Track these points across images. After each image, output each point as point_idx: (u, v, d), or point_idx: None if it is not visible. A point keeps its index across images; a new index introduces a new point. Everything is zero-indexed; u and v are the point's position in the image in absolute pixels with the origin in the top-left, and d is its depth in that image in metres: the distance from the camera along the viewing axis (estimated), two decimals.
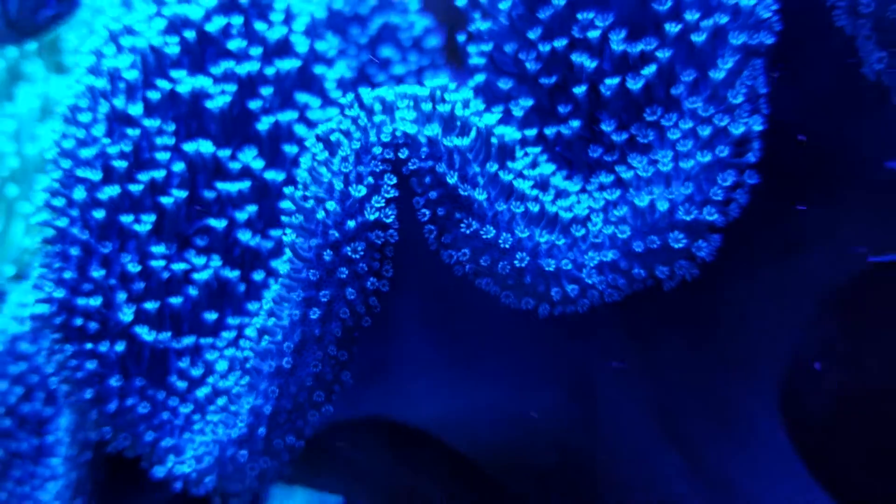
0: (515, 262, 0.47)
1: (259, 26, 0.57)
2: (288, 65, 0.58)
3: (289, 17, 0.60)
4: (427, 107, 0.45)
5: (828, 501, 0.73)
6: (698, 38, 0.46)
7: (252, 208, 0.55)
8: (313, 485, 0.82)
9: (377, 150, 0.44)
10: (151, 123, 0.55)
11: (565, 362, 0.61)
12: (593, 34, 0.49)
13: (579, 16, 0.49)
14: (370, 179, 0.46)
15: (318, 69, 0.60)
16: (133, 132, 0.55)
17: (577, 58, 0.49)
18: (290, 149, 0.57)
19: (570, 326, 0.57)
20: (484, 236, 0.48)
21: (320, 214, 0.45)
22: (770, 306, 0.70)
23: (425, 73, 0.80)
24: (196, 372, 0.52)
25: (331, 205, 0.44)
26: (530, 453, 0.70)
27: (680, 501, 0.71)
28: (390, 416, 0.65)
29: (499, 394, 0.61)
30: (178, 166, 0.56)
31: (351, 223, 0.45)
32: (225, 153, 0.56)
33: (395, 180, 0.46)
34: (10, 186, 0.86)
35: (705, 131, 0.45)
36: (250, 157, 0.56)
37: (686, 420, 0.70)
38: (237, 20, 0.56)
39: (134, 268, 0.53)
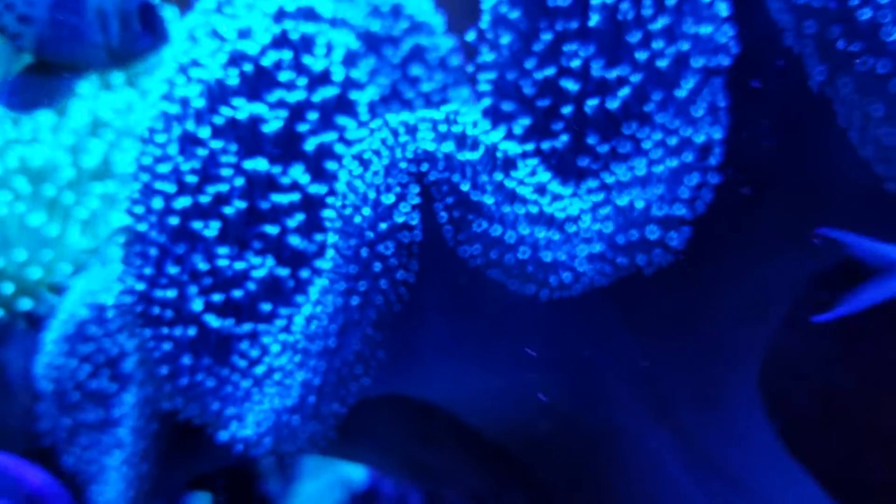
0: (519, 254, 0.52)
1: (305, 59, 0.64)
2: (328, 92, 0.64)
3: (329, 50, 0.66)
4: (443, 128, 0.50)
5: (802, 473, 0.78)
6: (664, 63, 0.51)
7: (300, 216, 0.61)
8: (342, 452, 0.85)
9: (403, 164, 0.50)
10: (216, 144, 0.61)
11: (565, 345, 0.66)
12: (576, 63, 0.54)
13: (565, 48, 0.54)
14: (398, 189, 0.51)
15: (354, 95, 0.66)
16: (202, 152, 0.61)
17: (564, 83, 0.54)
18: (332, 165, 0.63)
19: (569, 312, 0.61)
20: (492, 234, 0.52)
21: (357, 219, 0.51)
22: (752, 296, 0.72)
23: (449, 89, 0.84)
24: (254, 353, 0.58)
25: (366, 211, 0.50)
26: (534, 428, 0.74)
27: (670, 474, 0.74)
28: (411, 392, 0.70)
29: (506, 372, 0.66)
30: (239, 181, 0.61)
31: (383, 225, 0.50)
32: (277, 170, 0.62)
33: (418, 189, 0.51)
34: (67, 194, 0.91)
35: (673, 141, 0.50)
36: (298, 172, 0.62)
37: (675, 401, 0.73)
38: (287, 55, 0.63)
39: (203, 266, 0.59)
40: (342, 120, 0.65)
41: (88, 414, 0.79)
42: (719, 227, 0.58)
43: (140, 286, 0.58)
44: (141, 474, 0.68)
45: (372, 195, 0.50)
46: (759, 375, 0.84)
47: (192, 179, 0.60)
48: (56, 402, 0.80)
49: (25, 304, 0.87)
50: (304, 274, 0.61)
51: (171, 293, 0.59)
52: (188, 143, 0.61)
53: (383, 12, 0.80)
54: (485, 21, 0.60)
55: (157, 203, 0.59)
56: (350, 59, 0.66)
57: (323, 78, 0.64)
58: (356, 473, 1.13)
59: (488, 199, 0.51)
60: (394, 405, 0.75)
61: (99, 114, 0.95)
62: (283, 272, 0.60)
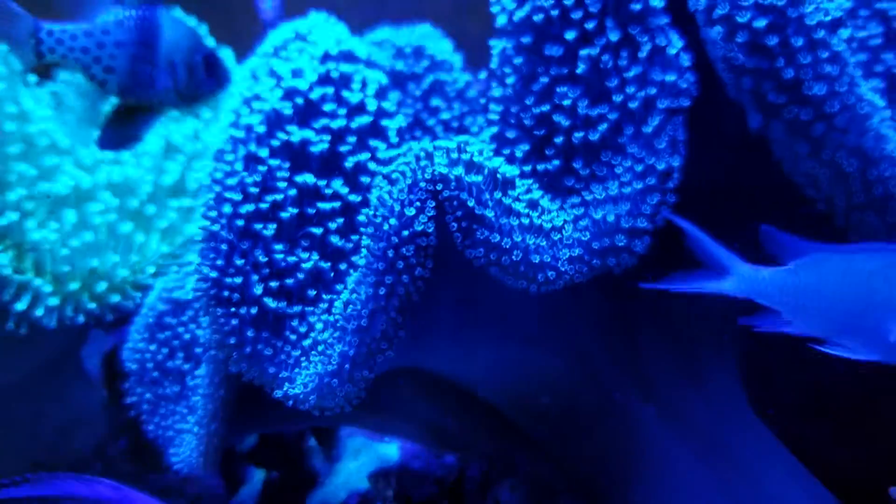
0: (513, 257, 0.57)
1: (344, 93, 0.70)
2: (363, 120, 0.70)
3: (364, 85, 0.72)
4: (454, 155, 0.57)
5: (774, 440, 0.79)
6: (635, 104, 0.56)
7: (339, 220, 0.67)
8: (375, 423, 0.90)
9: (422, 184, 0.56)
10: (274, 162, 0.66)
11: (556, 330, 0.70)
12: (567, 102, 0.59)
13: (558, 89, 0.60)
14: (418, 204, 0.56)
15: (384, 122, 0.72)
16: (262, 168, 0.66)
17: (557, 117, 0.60)
18: (365, 179, 0.69)
19: (559, 303, 0.66)
20: (492, 240, 0.56)
21: (386, 227, 0.56)
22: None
23: (466, 117, 0.89)
24: (302, 329, 0.65)
25: (392, 220, 0.56)
26: (537, 401, 0.77)
27: (655, 442, 0.77)
28: (426, 369, 0.75)
29: (506, 353, 0.71)
30: (291, 192, 0.66)
31: (405, 232, 0.56)
32: (322, 182, 0.67)
33: (433, 204, 0.56)
34: (149, 206, 0.97)
35: (639, 167, 0.56)
36: (338, 185, 0.68)
37: (659, 381, 0.76)
38: (330, 90, 0.69)
39: (262, 259, 0.65)
40: (374, 142, 0.71)
41: (166, 388, 0.85)
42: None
43: (213, 274, 0.64)
44: (210, 432, 0.75)
45: (397, 208, 0.56)
46: (745, 370, 0.84)
47: (254, 190, 0.65)
48: (139, 380, 0.86)
49: (114, 299, 0.91)
50: (342, 266, 0.67)
51: (237, 280, 0.65)
52: (251, 161, 0.66)
53: (407, 53, 0.86)
54: (494, 62, 0.65)
55: (227, 209, 0.65)
56: (381, 93, 0.72)
57: (359, 108, 0.70)
58: (390, 452, 1.15)
59: (489, 213, 0.56)
60: (417, 381, 0.79)
61: (171, 139, 1.00)
62: (325, 265, 0.66)
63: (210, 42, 0.91)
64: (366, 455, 1.16)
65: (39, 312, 0.87)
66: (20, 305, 0.85)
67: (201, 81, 0.71)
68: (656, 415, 0.77)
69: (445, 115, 0.87)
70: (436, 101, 0.87)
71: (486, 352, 0.71)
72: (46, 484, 0.63)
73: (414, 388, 0.80)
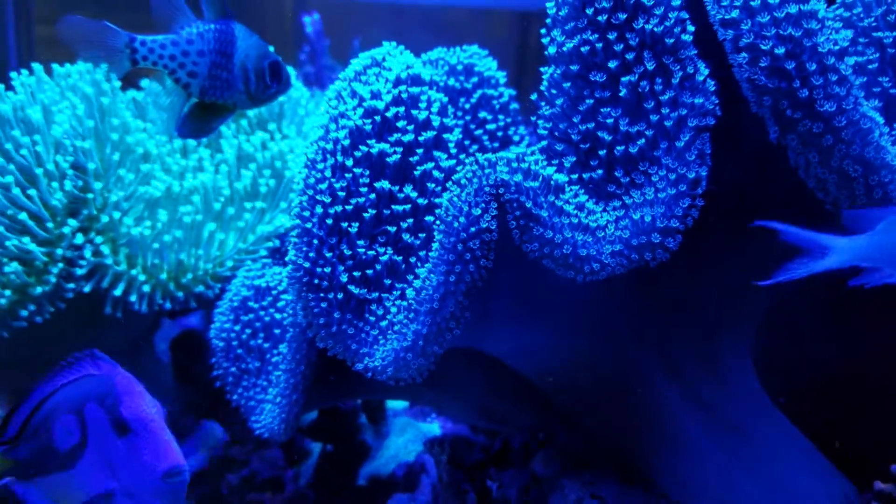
0: (564, 251, 0.62)
1: (413, 112, 0.75)
2: (429, 134, 0.75)
3: (429, 104, 0.77)
4: (514, 164, 0.62)
5: (783, 419, 0.84)
6: (668, 123, 0.62)
7: (409, 220, 0.72)
8: (431, 398, 0.95)
9: (487, 188, 0.61)
10: (357, 170, 0.71)
11: (594, 318, 0.76)
12: (609, 121, 0.65)
13: (602, 110, 0.65)
14: (483, 205, 0.61)
15: (445, 136, 0.77)
16: (347, 175, 0.71)
17: (600, 133, 0.65)
18: (430, 185, 0.74)
19: (596, 293, 0.72)
20: (546, 237, 0.61)
21: (455, 224, 0.62)
22: (742, 281, 0.74)
23: (510, 128, 0.95)
24: (379, 312, 0.70)
25: (462, 219, 0.62)
26: (572, 381, 0.83)
27: (677, 419, 0.82)
28: (478, 350, 0.80)
29: (550, 335, 0.76)
30: (371, 196, 0.71)
31: (472, 229, 0.61)
32: (395, 188, 0.72)
33: (496, 205, 0.61)
34: (229, 208, 1.05)
35: (672, 176, 0.61)
36: (409, 190, 0.72)
37: (682, 361, 0.82)
38: (401, 109, 0.74)
39: (347, 252, 0.70)
40: (437, 153, 0.75)
41: (248, 364, 0.91)
42: (720, 231, 0.70)
43: (307, 264, 0.70)
44: (291, 402, 0.81)
45: (465, 208, 0.62)
46: (759, 354, 0.87)
47: (341, 194, 0.71)
48: (224, 356, 0.92)
49: (198, 289, 0.98)
50: (412, 260, 0.73)
51: (327, 269, 0.70)
52: (338, 169, 0.71)
53: (458, 70, 0.92)
54: (544, 85, 0.71)
55: (318, 209, 0.70)
56: (442, 110, 0.78)
57: (425, 124, 0.75)
58: (433, 429, 1.22)
59: (544, 213, 0.61)
60: (469, 362, 0.84)
61: (244, 150, 1.08)
62: (398, 258, 0.71)
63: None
64: (411, 432, 1.22)
65: (133, 298, 0.95)
66: (117, 292, 0.94)
67: (267, 86, 0.77)
68: (679, 394, 0.82)
69: (491, 126, 0.93)
70: (483, 114, 0.93)
71: (532, 334, 0.76)
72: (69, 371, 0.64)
73: (466, 368, 0.86)
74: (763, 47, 0.59)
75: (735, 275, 0.75)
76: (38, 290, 0.88)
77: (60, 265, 0.88)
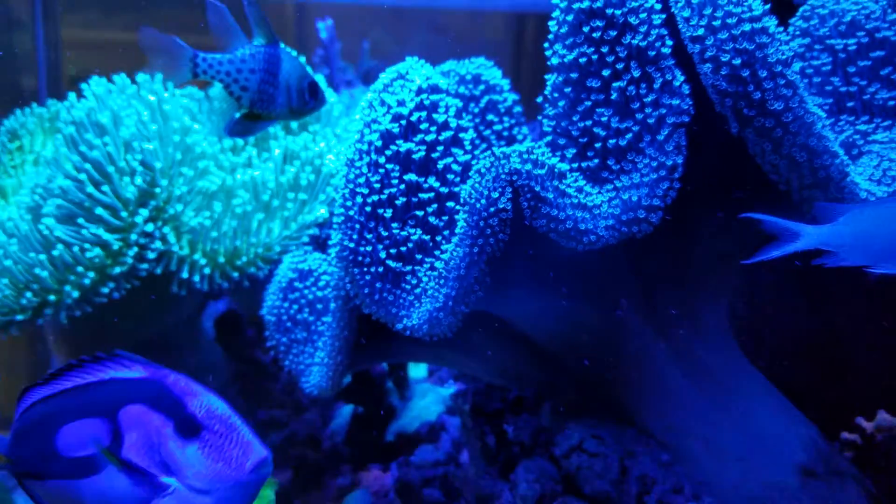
0: (567, 225, 0.68)
1: (434, 115, 0.79)
2: (447, 134, 0.80)
3: (447, 109, 0.82)
4: (525, 156, 0.68)
5: (756, 372, 0.89)
6: (651, 120, 0.69)
7: (434, 206, 0.78)
8: (452, 359, 0.99)
9: (503, 176, 0.66)
10: (389, 166, 0.77)
11: (592, 284, 0.82)
12: (604, 119, 0.71)
13: (597, 110, 0.71)
14: (500, 189, 0.67)
15: (461, 135, 0.84)
16: (381, 170, 0.76)
17: (595, 129, 0.72)
18: (450, 176, 0.79)
19: (595, 263, 0.78)
20: (552, 214, 0.67)
21: (478, 205, 0.67)
22: (715, 249, 0.82)
23: (514, 128, 1.01)
24: (413, 282, 0.77)
25: (483, 201, 0.67)
26: (575, 339, 0.89)
27: (664, 371, 0.88)
28: (496, 315, 0.84)
29: (556, 300, 0.81)
30: (402, 186, 0.77)
31: (492, 209, 0.66)
32: (421, 180, 0.78)
33: (510, 189, 0.67)
34: (275, 200, 1.12)
35: (654, 163, 0.69)
36: (432, 181, 0.78)
37: (668, 319, 0.87)
38: (424, 114, 0.79)
39: (384, 233, 0.77)
40: (455, 150, 0.80)
41: (296, 335, 0.98)
42: (695, 207, 0.76)
43: (351, 245, 0.77)
44: (336, 363, 0.89)
45: (486, 192, 0.67)
46: (738, 322, 0.95)
47: (376, 186, 0.77)
48: (276, 329, 0.99)
49: (251, 270, 1.05)
50: (438, 238, 0.79)
51: (368, 248, 0.77)
52: (373, 166, 0.77)
53: (468, 80, 0.99)
54: (547, 90, 0.77)
55: (358, 199, 0.77)
56: (458, 114, 0.82)
57: (444, 126, 0.80)
58: (450, 393, 1.29)
59: (550, 195, 0.67)
60: (486, 328, 0.90)
61: (290, 149, 1.15)
62: (426, 237, 0.78)
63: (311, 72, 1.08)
64: (431, 396, 1.33)
65: (196, 279, 1.05)
66: (184, 274, 1.04)
67: (306, 102, 0.83)
68: (665, 350, 0.89)
69: (497, 127, 1.01)
70: (490, 116, 1.00)
71: (540, 298, 0.83)
72: (88, 371, 0.56)
73: (483, 333, 0.92)
74: (723, 59, 0.65)
75: (709, 244, 0.82)
76: (116, 269, 0.98)
77: (135, 249, 0.97)
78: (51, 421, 0.55)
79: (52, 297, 0.91)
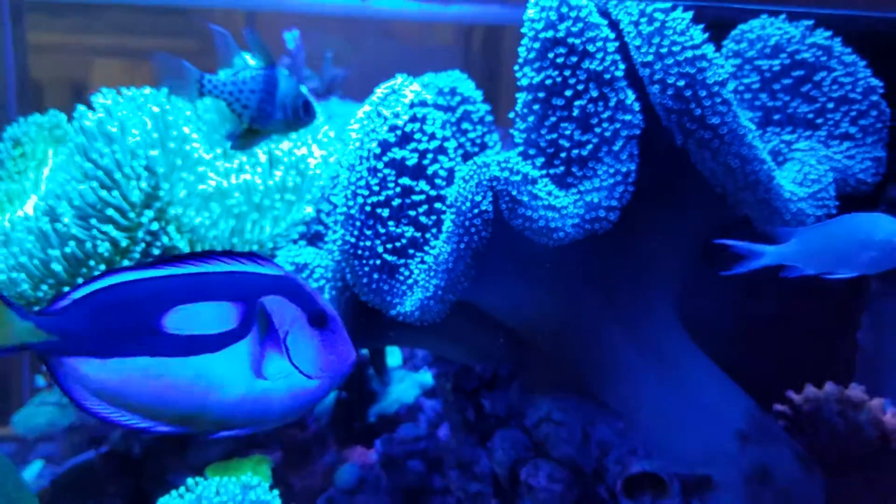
0: (539, 224, 0.74)
1: (424, 126, 0.85)
2: (435, 143, 0.85)
3: (434, 121, 0.89)
4: (503, 164, 0.76)
5: (700, 353, 0.95)
6: (608, 133, 0.78)
7: (424, 206, 0.83)
8: (432, 343, 1.06)
9: (485, 182, 0.73)
10: (386, 171, 0.82)
11: (559, 275, 0.88)
12: (567, 132, 0.77)
13: (562, 125, 0.78)
14: (482, 193, 0.73)
15: (446, 144, 0.91)
16: (379, 174, 0.81)
17: (561, 141, 0.78)
18: (438, 181, 0.85)
19: (561, 257, 0.86)
20: (527, 214, 0.73)
21: (464, 207, 0.74)
22: (664, 245, 0.90)
23: (487, 136, 1.10)
24: (406, 273, 0.83)
25: (468, 203, 0.74)
26: (543, 323, 0.93)
27: (619, 352, 0.95)
28: (474, 303, 0.89)
29: (531, 289, 0.87)
30: (397, 189, 0.82)
31: (476, 210, 0.73)
32: (413, 183, 0.84)
33: (491, 193, 0.73)
34: (265, 200, 1.14)
35: (611, 170, 0.78)
36: (423, 184, 0.84)
37: (622, 307, 0.93)
38: (416, 125, 0.85)
39: (381, 230, 0.82)
40: (441, 157, 0.86)
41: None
42: (647, 208, 0.84)
43: (352, 240, 0.82)
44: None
45: (470, 196, 0.75)
46: (686, 309, 0.99)
47: (375, 188, 0.82)
48: None
49: None
50: (427, 236, 0.85)
51: (367, 243, 0.82)
52: (372, 170, 0.82)
53: (445, 91, 1.07)
54: (518, 106, 0.82)
55: (359, 200, 0.81)
56: (443, 126, 0.91)
57: (432, 136, 0.86)
58: (426, 378, 1.41)
59: (525, 198, 0.74)
60: (465, 315, 0.94)
61: (273, 155, 1.19)
62: (418, 234, 0.84)
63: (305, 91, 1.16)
64: (408, 381, 1.41)
65: None
66: None
67: (300, 118, 0.89)
68: (621, 333, 0.97)
69: (472, 135, 1.09)
70: (465, 125, 1.08)
71: (516, 288, 0.91)
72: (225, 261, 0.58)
73: (462, 320, 0.96)
74: (669, 81, 0.72)
75: (658, 240, 0.90)
76: (125, 263, 1.04)
77: (142, 245, 1.04)
78: (160, 299, 0.56)
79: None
